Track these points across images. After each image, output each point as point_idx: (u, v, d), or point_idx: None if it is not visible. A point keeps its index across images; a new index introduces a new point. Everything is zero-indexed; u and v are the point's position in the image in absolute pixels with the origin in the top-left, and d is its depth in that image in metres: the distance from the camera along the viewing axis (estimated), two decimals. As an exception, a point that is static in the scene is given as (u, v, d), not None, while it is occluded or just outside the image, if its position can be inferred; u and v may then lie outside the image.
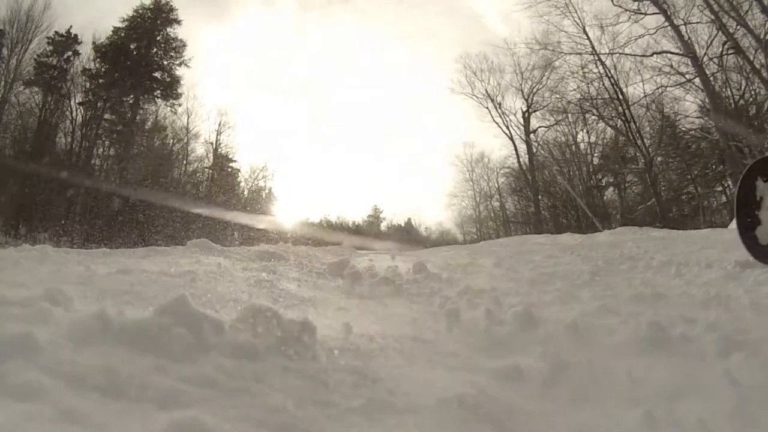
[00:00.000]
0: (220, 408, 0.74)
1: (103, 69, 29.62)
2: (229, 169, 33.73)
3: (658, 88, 24.05)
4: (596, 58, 26.18)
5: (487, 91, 32.23)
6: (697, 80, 21.95)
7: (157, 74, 31.48)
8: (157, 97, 31.26)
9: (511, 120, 31.97)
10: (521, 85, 31.29)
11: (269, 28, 41.38)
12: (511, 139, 32.23)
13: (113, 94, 29.36)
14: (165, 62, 31.70)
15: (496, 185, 35.91)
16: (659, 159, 26.15)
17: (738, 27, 19.29)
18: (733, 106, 21.79)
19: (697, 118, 24.35)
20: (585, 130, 30.00)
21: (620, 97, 26.35)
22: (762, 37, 18.67)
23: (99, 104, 28.91)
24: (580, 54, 26.51)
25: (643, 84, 25.22)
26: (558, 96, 29.12)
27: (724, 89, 22.11)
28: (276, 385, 0.87)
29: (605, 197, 29.86)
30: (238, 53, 44.10)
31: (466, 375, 1.24)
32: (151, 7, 31.40)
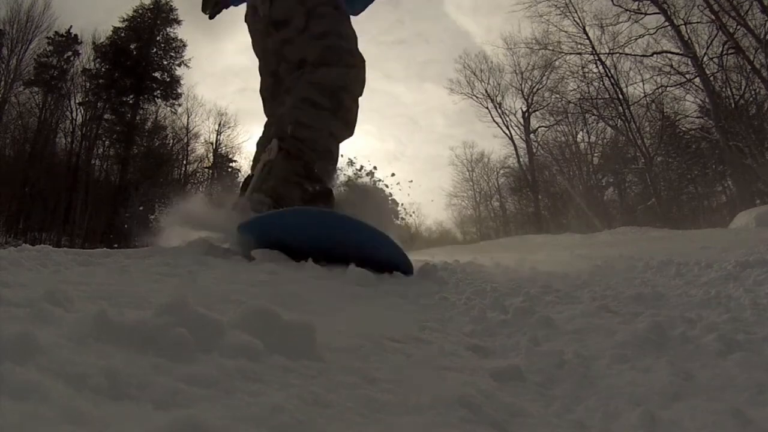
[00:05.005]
0: (220, 408, 0.74)
1: (103, 69, 29.62)
2: (229, 169, 33.77)
3: (658, 88, 24.12)
4: (596, 58, 26.25)
5: (486, 91, 32.26)
6: (697, 80, 22.00)
7: (156, 74, 31.50)
8: (157, 97, 31.30)
9: (511, 120, 32.00)
10: (521, 85, 31.34)
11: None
12: (511, 139, 32.26)
13: (113, 94, 29.36)
14: (165, 62, 31.72)
15: (496, 185, 35.94)
16: (659, 159, 26.17)
17: (738, 27, 19.33)
18: (733, 106, 21.80)
19: (697, 118, 24.39)
20: (585, 130, 30.05)
21: (620, 97, 26.40)
22: (762, 36, 18.69)
23: (99, 104, 28.92)
24: (580, 54, 26.59)
25: (643, 84, 25.29)
26: (558, 96, 29.20)
27: (724, 89, 22.15)
28: (276, 385, 0.87)
29: (605, 197, 29.89)
30: (234, 59, 44.20)
31: (466, 375, 1.23)
32: (151, 7, 31.43)
